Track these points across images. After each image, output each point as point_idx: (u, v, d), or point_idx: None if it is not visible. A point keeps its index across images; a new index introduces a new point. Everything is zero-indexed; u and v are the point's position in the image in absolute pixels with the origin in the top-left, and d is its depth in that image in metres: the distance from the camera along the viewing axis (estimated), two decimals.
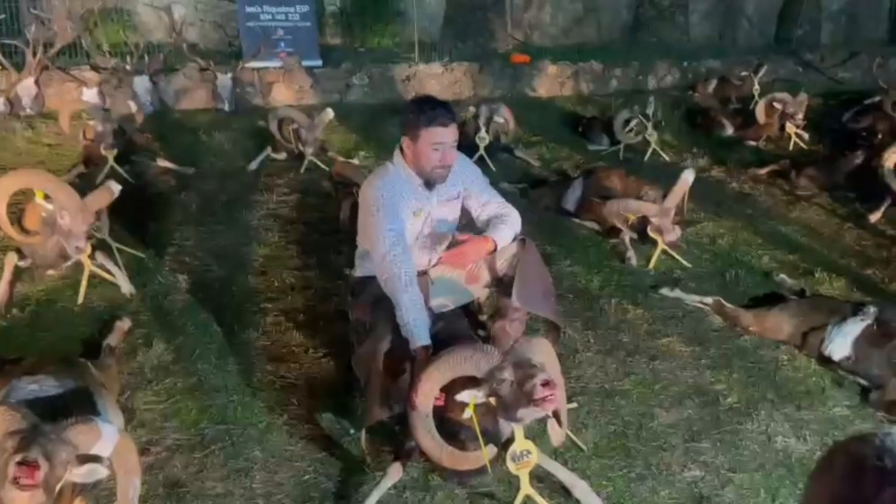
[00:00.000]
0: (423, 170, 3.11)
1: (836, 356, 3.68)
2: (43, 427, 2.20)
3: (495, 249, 3.18)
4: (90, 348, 3.57)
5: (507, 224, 3.24)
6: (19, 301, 4.03)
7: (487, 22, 11.01)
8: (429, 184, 3.16)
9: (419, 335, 2.89)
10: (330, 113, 6.65)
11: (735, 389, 3.56)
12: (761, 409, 3.42)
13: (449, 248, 3.40)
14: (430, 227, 3.28)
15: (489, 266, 3.28)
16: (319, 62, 9.28)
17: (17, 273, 4.16)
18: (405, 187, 3.15)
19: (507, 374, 2.56)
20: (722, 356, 3.85)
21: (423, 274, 3.34)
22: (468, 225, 3.49)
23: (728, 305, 4.19)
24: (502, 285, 3.29)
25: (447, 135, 3.06)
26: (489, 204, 3.33)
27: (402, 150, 3.18)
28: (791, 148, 7.49)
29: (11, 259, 4.07)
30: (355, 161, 6.78)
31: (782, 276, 4.65)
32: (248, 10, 9.07)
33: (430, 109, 3.06)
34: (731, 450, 3.17)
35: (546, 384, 2.49)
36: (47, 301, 4.07)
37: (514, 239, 3.27)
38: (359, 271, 3.41)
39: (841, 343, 3.68)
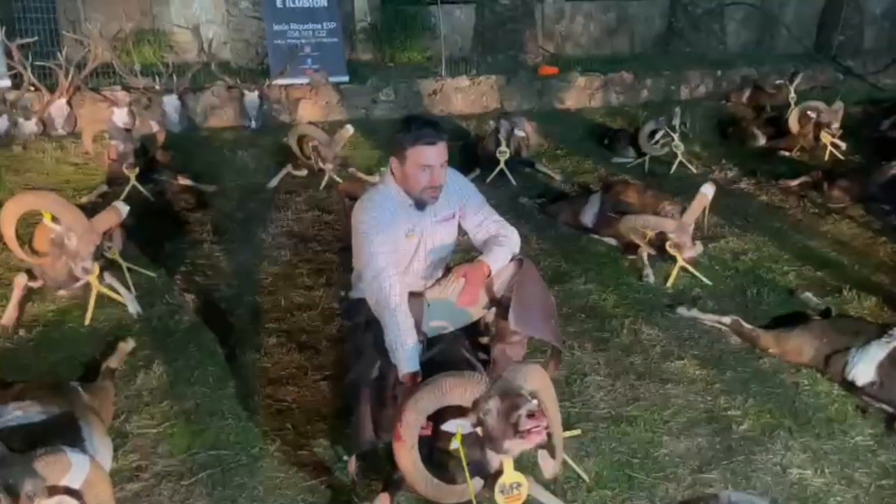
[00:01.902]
0: (412, 191, 3.03)
1: (860, 381, 3.47)
2: (10, 458, 2.18)
3: (489, 274, 3.08)
4: (92, 370, 3.58)
5: (504, 245, 3.14)
6: (29, 321, 4.06)
7: (518, 35, 10.92)
8: (420, 204, 3.07)
9: (407, 361, 2.81)
10: (349, 129, 6.63)
11: (750, 416, 3.38)
12: (777, 437, 3.24)
13: (445, 273, 3.32)
14: (424, 248, 3.19)
15: (486, 287, 3.18)
16: (346, 78, 9.30)
17: (29, 293, 4.21)
18: (396, 208, 3.07)
19: (493, 404, 2.46)
20: (738, 380, 3.66)
21: (419, 296, 3.26)
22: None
23: (747, 326, 4.01)
24: (501, 307, 3.18)
25: (434, 154, 2.96)
26: (485, 223, 3.23)
27: (392, 170, 3.11)
28: (826, 158, 7.20)
29: (21, 280, 4.12)
30: (377, 177, 6.74)
31: (807, 294, 4.43)
32: (276, 28, 9.16)
33: (416, 128, 2.97)
34: (742, 481, 2.99)
35: (532, 415, 2.38)
36: (56, 321, 4.09)
37: (512, 259, 3.17)
38: (354, 292, 3.34)
39: (865, 367, 3.47)
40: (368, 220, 3.02)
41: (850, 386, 3.52)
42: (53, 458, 2.21)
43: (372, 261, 2.97)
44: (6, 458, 2.16)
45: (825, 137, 7.21)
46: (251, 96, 8.33)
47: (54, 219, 3.95)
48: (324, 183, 6.44)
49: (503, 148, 6.54)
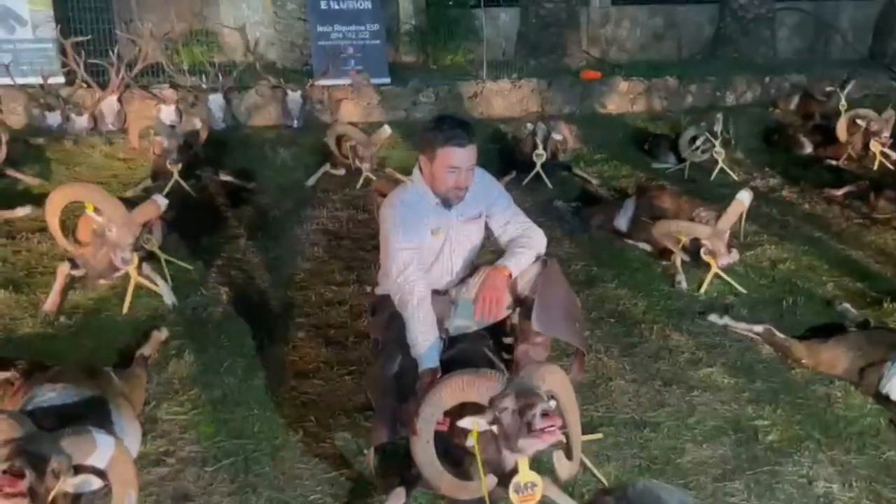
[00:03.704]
0: (439, 190, 3.06)
1: (895, 395, 3.37)
2: (38, 436, 2.26)
3: (511, 277, 3.07)
4: (127, 357, 3.67)
5: (527, 247, 3.13)
6: (69, 309, 4.19)
7: (561, 39, 10.90)
8: (446, 203, 3.10)
9: (427, 357, 2.84)
10: (387, 130, 6.69)
11: (778, 426, 3.31)
12: (805, 449, 3.16)
13: (471, 272, 3.33)
14: (450, 247, 3.21)
15: (510, 288, 3.18)
16: (388, 80, 9.39)
17: (71, 282, 4.35)
18: (423, 206, 3.10)
19: (509, 402, 2.46)
20: (767, 390, 3.59)
21: (444, 294, 3.29)
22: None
23: (779, 335, 3.92)
24: (525, 308, 3.18)
25: (463, 157, 2.98)
26: (510, 224, 3.23)
27: (420, 168, 3.13)
28: (875, 168, 7.00)
29: (64, 269, 4.25)
30: (411, 178, 6.77)
31: (845, 304, 4.32)
32: (320, 29, 9.30)
33: (447, 129, 2.99)
34: (766, 493, 2.94)
35: (546, 415, 2.38)
36: (95, 310, 4.21)
37: (537, 259, 3.16)
38: (380, 289, 3.38)
39: None
40: (395, 216, 3.06)
41: (884, 400, 3.42)
42: (80, 438, 2.29)
43: (397, 257, 3.01)
44: (34, 436, 2.24)
45: (874, 146, 7.01)
46: (294, 96, 8.46)
47: (96, 210, 4.09)
48: (360, 182, 6.51)
49: (539, 151, 6.53)
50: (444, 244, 3.19)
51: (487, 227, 3.33)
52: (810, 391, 3.59)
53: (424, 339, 2.87)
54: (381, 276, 3.38)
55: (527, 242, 3.16)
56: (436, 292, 3.18)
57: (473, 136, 3.05)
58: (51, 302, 4.14)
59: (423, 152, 3.08)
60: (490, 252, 3.58)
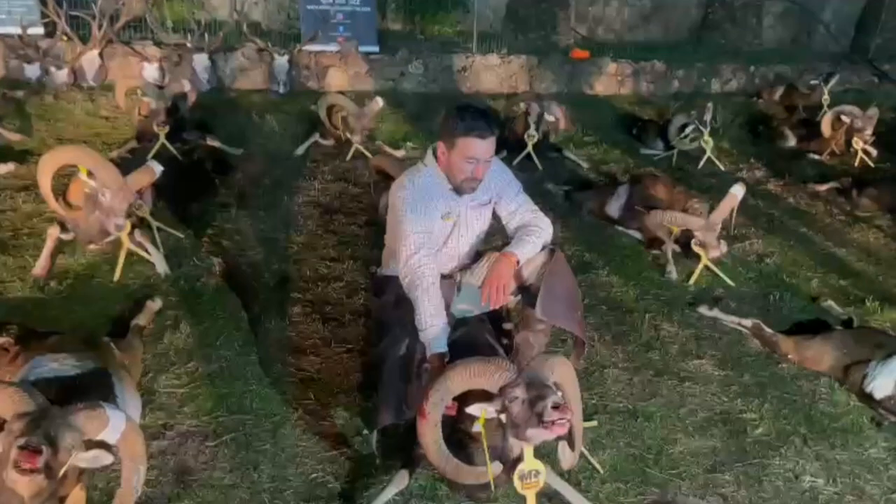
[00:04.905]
0: (454, 178, 3.05)
1: (879, 394, 3.49)
2: (51, 410, 2.23)
3: (517, 264, 3.10)
4: (119, 326, 3.63)
5: (534, 235, 3.15)
6: (59, 273, 4.10)
7: (550, 15, 10.82)
8: (458, 189, 3.10)
9: (435, 342, 2.86)
10: (379, 102, 6.61)
11: (765, 420, 3.42)
12: (791, 443, 3.28)
13: (477, 258, 3.34)
14: (459, 231, 3.22)
15: (515, 275, 3.20)
16: (376, 48, 9.27)
17: (60, 245, 4.26)
18: (435, 190, 3.09)
19: (520, 392, 2.50)
20: (755, 384, 3.69)
21: (449, 278, 3.30)
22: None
23: (767, 330, 4.02)
24: (528, 295, 3.20)
25: (483, 148, 2.97)
26: (519, 212, 3.24)
27: (436, 153, 3.11)
28: (857, 164, 7.14)
29: (54, 232, 4.16)
30: (402, 152, 6.76)
31: (830, 302, 4.44)
32: None
33: (470, 118, 2.96)
34: (754, 485, 3.04)
35: (557, 407, 2.42)
36: (85, 275, 4.13)
37: (543, 248, 3.18)
38: (385, 269, 3.38)
39: (884, 381, 3.49)
40: (408, 199, 3.05)
41: (867, 398, 3.54)
42: (92, 413, 2.26)
43: (408, 240, 3.00)
44: (47, 410, 2.21)
45: (857, 143, 7.15)
46: (281, 60, 8.34)
47: (90, 174, 3.99)
48: (350, 154, 6.43)
49: (532, 131, 6.51)
50: (453, 228, 3.20)
51: (495, 214, 3.34)
52: (797, 386, 3.70)
53: (433, 324, 2.88)
54: (386, 256, 3.37)
55: (535, 231, 3.17)
56: (441, 276, 3.19)
57: (495, 128, 3.03)
58: (40, 266, 4.06)
59: (443, 139, 3.05)
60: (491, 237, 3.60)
